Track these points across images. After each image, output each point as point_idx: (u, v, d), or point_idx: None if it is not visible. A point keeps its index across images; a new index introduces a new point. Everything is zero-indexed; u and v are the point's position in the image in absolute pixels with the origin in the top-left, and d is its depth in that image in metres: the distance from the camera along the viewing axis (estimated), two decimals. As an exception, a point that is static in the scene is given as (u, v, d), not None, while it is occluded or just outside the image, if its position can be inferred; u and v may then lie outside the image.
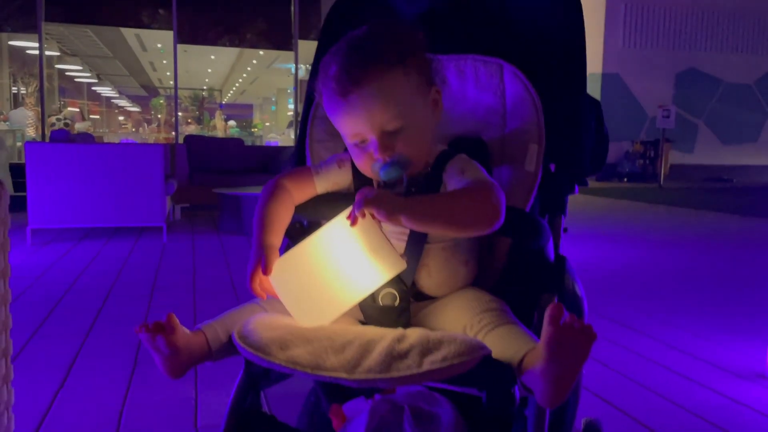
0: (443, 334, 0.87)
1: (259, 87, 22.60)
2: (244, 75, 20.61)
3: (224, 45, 16.37)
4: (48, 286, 3.67)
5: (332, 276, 0.94)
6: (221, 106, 22.86)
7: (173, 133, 16.19)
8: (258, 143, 16.67)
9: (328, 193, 1.11)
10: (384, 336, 0.88)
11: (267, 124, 24.73)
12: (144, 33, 14.12)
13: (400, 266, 0.93)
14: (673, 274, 4.36)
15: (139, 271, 4.12)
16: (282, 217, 1.05)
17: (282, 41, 15.93)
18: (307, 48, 16.24)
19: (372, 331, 0.92)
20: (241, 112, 26.01)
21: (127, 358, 2.52)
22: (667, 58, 14.50)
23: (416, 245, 1.02)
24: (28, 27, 10.05)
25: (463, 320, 0.96)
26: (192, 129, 17.76)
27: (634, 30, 14.28)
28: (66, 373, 2.35)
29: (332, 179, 1.11)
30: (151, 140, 15.48)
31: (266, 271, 0.96)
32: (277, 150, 8.02)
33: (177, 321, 0.95)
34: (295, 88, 12.76)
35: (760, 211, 8.39)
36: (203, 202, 7.00)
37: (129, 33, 14.41)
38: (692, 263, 4.82)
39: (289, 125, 19.21)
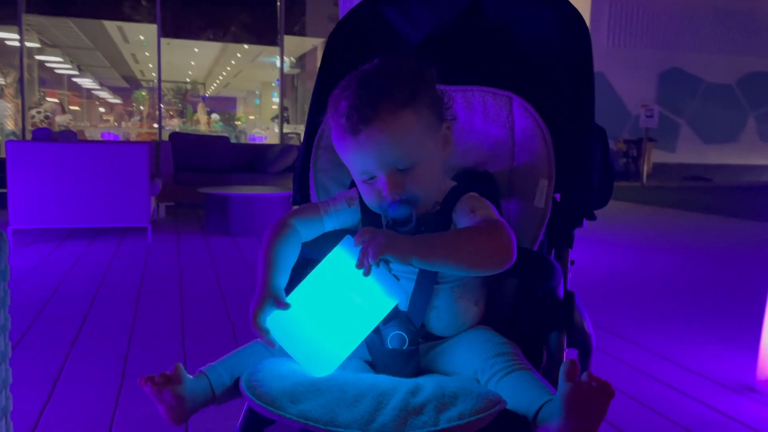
0: (458, 386, 0.85)
1: (243, 80, 22.41)
2: (228, 68, 20.41)
3: (208, 39, 16.21)
4: (31, 291, 3.60)
5: (331, 318, 0.93)
6: (203, 98, 22.64)
7: (156, 125, 16.04)
8: (242, 137, 16.54)
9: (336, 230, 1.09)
10: (397, 387, 0.86)
11: (251, 117, 24.55)
12: (126, 25, 13.92)
13: (396, 296, 0.92)
14: (660, 279, 4.39)
15: (124, 275, 4.06)
16: (289, 257, 1.03)
17: (266, 36, 15.80)
18: (293, 43, 16.12)
19: (384, 380, 0.90)
20: (224, 105, 25.78)
21: (115, 370, 2.48)
22: (651, 57, 14.60)
23: (426, 286, 1.00)
24: (8, 18, 9.86)
25: (474, 363, 0.94)
26: (175, 122, 17.57)
27: (619, 30, 14.36)
28: (52, 386, 2.31)
29: (341, 218, 1.09)
30: (133, 135, 15.29)
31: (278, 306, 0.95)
32: (264, 148, 7.95)
33: (184, 371, 0.92)
34: (279, 81, 12.67)
35: (742, 213, 8.49)
36: (188, 201, 6.93)
37: (111, 25, 14.19)
38: (678, 267, 4.86)
39: (273, 118, 19.09)
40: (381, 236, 0.86)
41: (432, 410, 0.81)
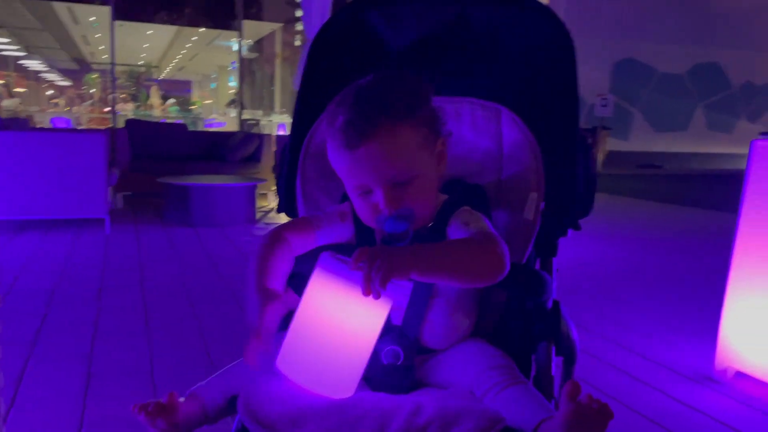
0: (459, 405, 0.86)
1: (198, 64, 21.95)
2: (183, 51, 19.95)
3: (162, 22, 15.79)
4: (-15, 287, 3.48)
5: (335, 339, 0.91)
6: (156, 81, 22.08)
7: (107, 109, 15.57)
8: (199, 123, 16.21)
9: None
10: (399, 407, 0.86)
11: (207, 102, 24.08)
12: (77, 6, 13.44)
13: (387, 303, 0.92)
14: (619, 270, 4.50)
15: (84, 269, 3.95)
16: (281, 268, 1.01)
17: (223, 19, 15.48)
18: (250, 27, 15.83)
19: (385, 401, 0.90)
20: (179, 88, 25.20)
21: (80, 370, 2.42)
22: (606, 47, 14.87)
23: (420, 300, 1.00)
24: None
25: (469, 375, 0.95)
26: (129, 107, 17.09)
27: (575, 19, 14.55)
28: (15, 390, 2.24)
29: (334, 233, 1.08)
30: (85, 120, 14.80)
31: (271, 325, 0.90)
32: (224, 135, 7.81)
33: (177, 399, 0.91)
34: (237, 65, 12.42)
35: (695, 201, 8.77)
36: (146, 190, 6.77)
37: (60, 5, 13.69)
38: (636, 257, 4.99)
39: (229, 104, 18.76)
40: (380, 259, 0.83)
41: (435, 430, 0.81)
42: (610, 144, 14.23)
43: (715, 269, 3.09)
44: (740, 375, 2.47)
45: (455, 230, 1.01)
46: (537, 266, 1.21)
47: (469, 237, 0.96)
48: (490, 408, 0.87)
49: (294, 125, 1.30)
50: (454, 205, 1.03)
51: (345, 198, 1.13)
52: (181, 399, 0.94)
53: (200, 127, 15.47)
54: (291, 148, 1.29)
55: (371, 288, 0.81)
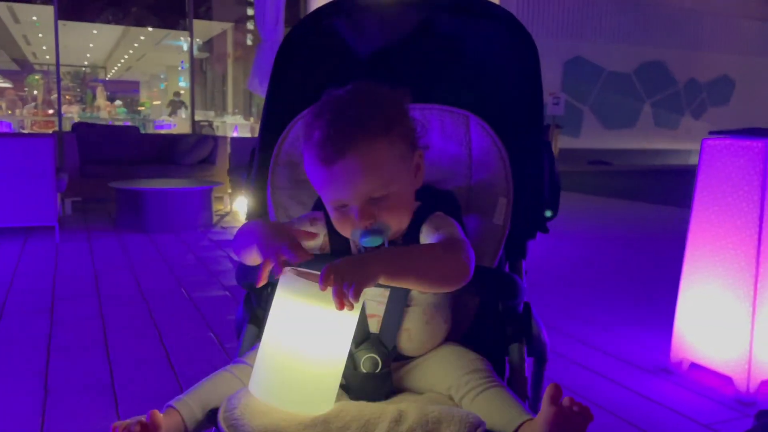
0: (440, 411, 0.87)
1: (147, 64, 21.44)
2: (131, 51, 19.48)
3: (108, 22, 15.37)
4: (-71, 300, 3.33)
5: (307, 356, 0.89)
6: (101, 82, 21.48)
7: (51, 111, 15.05)
8: (148, 125, 15.85)
9: None
10: (381, 416, 0.87)
11: (156, 102, 23.56)
12: (18, 5, 12.97)
13: (356, 312, 0.91)
14: (575, 265, 4.61)
15: (34, 279, 3.82)
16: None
17: (172, 19, 15.18)
18: (200, 26, 15.57)
19: (367, 409, 0.90)
20: (126, 89, 24.58)
21: (36, 385, 2.34)
22: (557, 46, 15.20)
23: (397, 309, 1.01)
24: None
25: (448, 380, 0.96)
26: (74, 109, 16.58)
27: (527, 19, 14.83)
28: (-33, 408, 2.15)
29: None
30: (28, 123, 14.29)
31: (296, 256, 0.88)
32: (176, 138, 7.66)
33: (160, 417, 0.89)
34: (189, 65, 12.18)
35: (645, 197, 9.04)
36: (97, 196, 6.59)
37: (0, 5, 13.18)
38: (590, 252, 5.12)
39: (170, 104, 18.30)
40: (350, 273, 0.81)
41: (418, 438, 0.82)
42: (561, 141, 14.55)
43: (668, 263, 3.20)
44: (694, 366, 2.56)
45: (427, 235, 1.01)
46: (507, 269, 1.23)
47: (436, 242, 0.97)
48: (469, 413, 0.88)
49: (262, 133, 1.29)
50: (426, 211, 1.04)
51: (317, 206, 1.12)
52: (161, 415, 0.92)
53: (150, 129, 15.12)
54: (260, 155, 1.28)
55: (344, 304, 0.80)
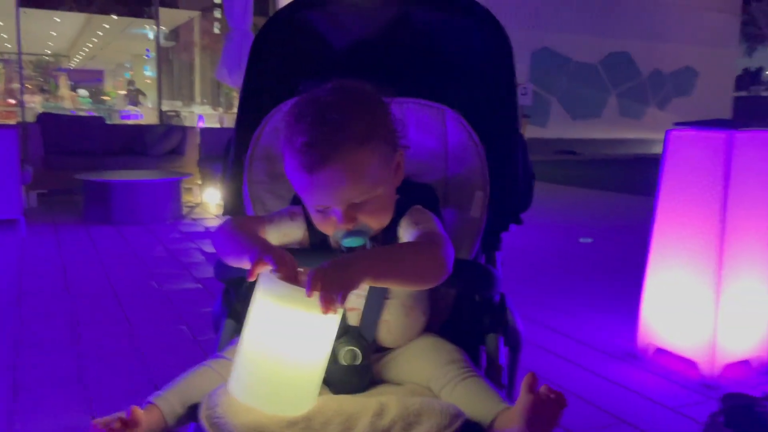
0: (421, 403, 0.89)
1: (111, 52, 21.01)
2: (95, 39, 19.06)
3: (71, 9, 15.01)
4: None
5: (289, 357, 0.88)
6: (64, 71, 20.99)
7: (12, 101, 14.66)
8: (113, 115, 15.55)
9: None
10: (363, 410, 0.88)
11: (122, 92, 23.12)
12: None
13: (340, 312, 0.90)
14: (542, 253, 4.68)
15: (0, 274, 3.74)
16: (252, 230, 1.02)
17: (137, 7, 14.89)
18: (166, 14, 15.30)
19: (348, 403, 0.92)
20: (90, 78, 24.06)
21: (5, 383, 2.30)
22: (524, 37, 15.29)
23: (376, 302, 1.02)
24: None
25: (426, 372, 0.98)
26: (37, 99, 16.19)
27: (495, 9, 14.81)
28: (-66, 406, 2.11)
29: (284, 231, 1.07)
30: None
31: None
32: (144, 129, 7.53)
33: (140, 413, 0.90)
34: (150, 53, 11.95)
35: (611, 186, 9.19)
36: (63, 188, 6.45)
37: (-44, -10, 12.76)
38: (558, 241, 5.20)
39: (128, 94, 17.95)
40: (337, 279, 0.82)
41: (399, 430, 0.84)
42: (530, 131, 14.71)
43: (634, 251, 3.27)
44: (660, 351, 2.64)
45: (405, 229, 1.03)
46: (483, 261, 1.25)
47: (415, 241, 0.98)
48: (449, 404, 0.90)
49: (238, 126, 1.29)
50: (405, 205, 1.05)
51: (295, 200, 1.13)
52: (141, 411, 0.92)
53: (115, 120, 14.84)
54: (236, 149, 1.27)
55: (330, 308, 0.81)
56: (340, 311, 0.88)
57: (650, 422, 2.10)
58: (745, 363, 2.52)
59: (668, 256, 2.55)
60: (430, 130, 1.20)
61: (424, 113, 1.20)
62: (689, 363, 2.51)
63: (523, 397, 0.82)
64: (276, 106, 1.24)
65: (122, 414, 0.90)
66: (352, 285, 0.83)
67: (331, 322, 0.89)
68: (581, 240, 4.95)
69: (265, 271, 0.87)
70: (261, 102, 1.28)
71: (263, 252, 0.87)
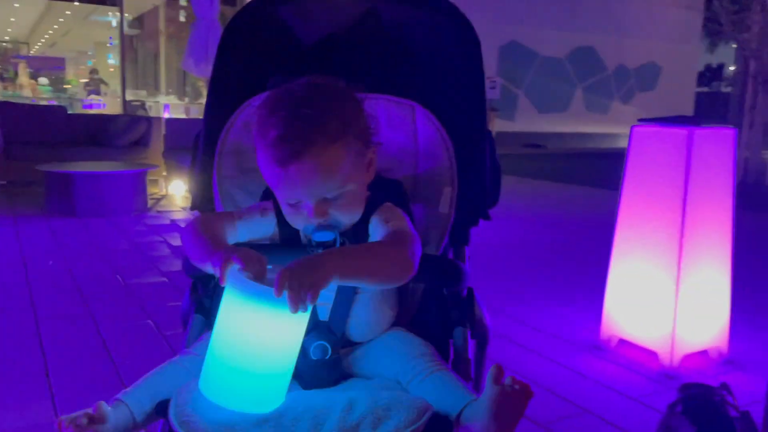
0: (390, 398, 0.89)
1: (73, 40, 20.47)
2: (56, 26, 18.56)
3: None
4: None
5: (258, 355, 0.88)
6: (23, 58, 20.41)
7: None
8: (75, 104, 15.17)
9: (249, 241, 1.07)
10: (333, 405, 0.89)
11: (84, 80, 22.57)
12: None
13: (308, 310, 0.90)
14: (509, 246, 4.74)
15: (-43, 267, 3.64)
16: (219, 231, 1.01)
17: (100, -7, 14.55)
18: (131, 1, 14.98)
19: (318, 399, 0.92)
20: (51, 66, 23.43)
21: (-35, 379, 2.25)
22: (492, 31, 15.39)
23: (346, 296, 1.03)
24: None
25: (395, 365, 0.99)
26: (-5, 87, 15.73)
27: (464, 3, 14.93)
28: None
29: (255, 227, 1.07)
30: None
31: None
32: (107, 119, 7.39)
33: (107, 409, 0.89)
34: (112, 40, 11.67)
35: (577, 179, 9.34)
36: (23, 179, 6.30)
37: None
38: (525, 234, 5.27)
39: (89, 83, 17.52)
40: (306, 278, 0.82)
41: (368, 426, 0.85)
42: (498, 125, 14.83)
43: (599, 244, 3.33)
44: (623, 342, 2.70)
45: (376, 226, 1.03)
46: (451, 255, 1.26)
47: (383, 240, 0.98)
48: (417, 398, 0.91)
49: (207, 120, 1.28)
50: (376, 201, 1.06)
51: (266, 195, 1.12)
52: (108, 407, 0.92)
53: (77, 109, 14.49)
54: (205, 143, 1.26)
55: (299, 307, 0.82)
56: (309, 309, 0.88)
57: (612, 411, 2.16)
58: (703, 353, 2.60)
59: (631, 249, 2.61)
60: (400, 126, 1.21)
61: (394, 109, 1.21)
62: (650, 354, 2.58)
63: (489, 388, 0.84)
64: (245, 101, 1.24)
65: (89, 410, 0.89)
66: (320, 284, 0.83)
67: (300, 319, 0.89)
68: None
69: (233, 269, 0.86)
70: (230, 95, 1.27)
71: (229, 253, 0.86)
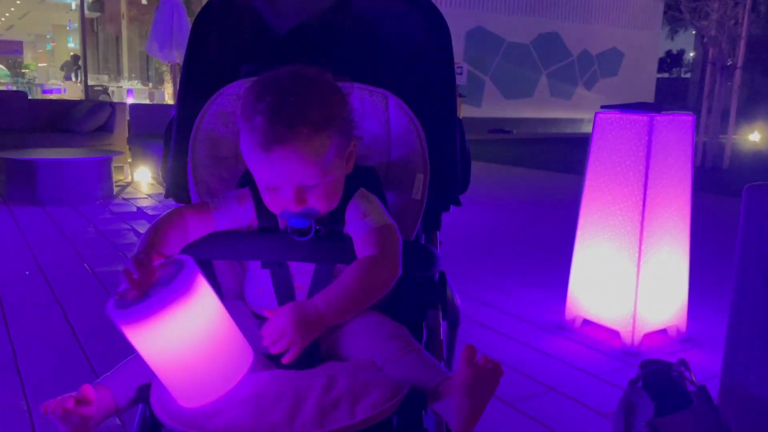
0: (367, 377, 0.93)
1: (30, 23, 19.91)
2: (12, 9, 17.99)
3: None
4: None
5: (204, 351, 0.88)
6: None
7: None
8: (35, 90, 14.79)
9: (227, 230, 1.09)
10: (312, 384, 0.91)
11: (42, 65, 21.98)
12: None
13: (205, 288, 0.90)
14: (476, 231, 4.81)
15: None
16: (173, 237, 1.03)
17: (59, -26, 14.13)
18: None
19: (297, 379, 0.94)
20: (8, 49, 22.75)
21: (-69, 370, 2.22)
22: (459, 16, 15.44)
23: (322, 281, 1.06)
24: None
25: (371, 347, 1.03)
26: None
27: (430, -13, 14.96)
28: None
29: (232, 215, 1.09)
30: None
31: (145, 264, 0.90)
32: (69, 104, 7.23)
33: (92, 392, 0.91)
34: (71, 23, 11.37)
35: (542, 164, 9.48)
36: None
37: None
38: (491, 218, 5.35)
39: (63, 67, 17.12)
40: (299, 338, 0.90)
41: (347, 403, 0.88)
42: (464, 111, 14.93)
43: (564, 228, 3.42)
44: (587, 323, 2.79)
45: (353, 218, 1.06)
46: (423, 240, 1.30)
47: (367, 263, 1.00)
48: (392, 376, 0.95)
49: (179, 108, 1.28)
50: (351, 188, 1.09)
51: (241, 183, 1.14)
52: (93, 390, 0.93)
53: (37, 94, 14.12)
54: (177, 131, 1.27)
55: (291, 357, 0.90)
56: (206, 287, 0.89)
57: (576, 389, 2.24)
58: (663, 332, 2.70)
59: (594, 232, 2.69)
60: (373, 114, 1.23)
61: (367, 98, 1.23)
62: (613, 333, 2.67)
63: (462, 368, 0.88)
64: (218, 89, 1.25)
65: (73, 393, 0.91)
66: (311, 338, 0.91)
67: (203, 296, 0.88)
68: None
69: (110, 303, 0.88)
70: (203, 83, 1.28)
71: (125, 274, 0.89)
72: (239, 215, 1.10)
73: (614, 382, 2.29)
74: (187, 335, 0.86)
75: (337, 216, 1.07)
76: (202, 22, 1.31)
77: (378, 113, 1.23)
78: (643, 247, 2.49)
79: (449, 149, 1.28)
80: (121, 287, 0.89)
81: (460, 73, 12.94)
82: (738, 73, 9.24)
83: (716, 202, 6.31)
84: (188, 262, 0.89)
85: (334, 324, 0.93)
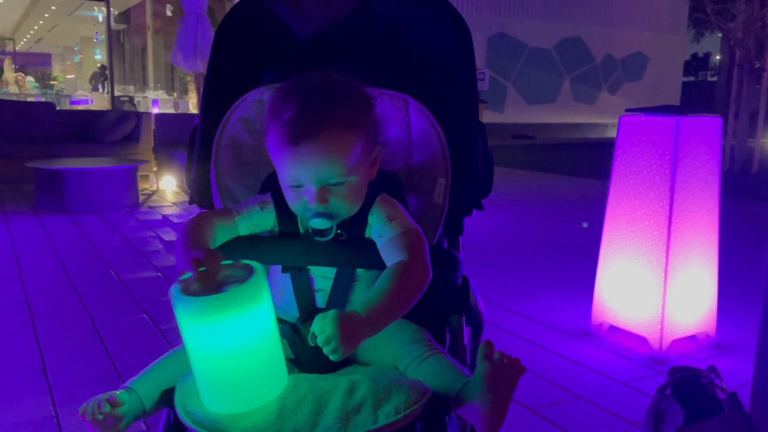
0: (390, 381, 0.92)
1: (59, 35, 20.33)
2: (41, 22, 18.39)
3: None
4: None
5: (247, 361, 0.88)
6: (9, 54, 20.22)
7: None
8: (63, 101, 15.08)
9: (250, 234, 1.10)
10: (335, 388, 0.91)
11: (69, 76, 22.40)
12: None
13: (266, 292, 0.90)
14: (502, 237, 4.78)
15: (-50, 265, 3.64)
16: (206, 235, 1.03)
17: (86, -13, 14.41)
18: (117, -3, 14.87)
19: (320, 383, 0.94)
20: (37, 62, 23.23)
21: (-38, 376, 2.26)
22: (481, 22, 15.42)
23: (344, 284, 1.06)
24: None
25: (392, 351, 1.02)
26: (-20, 84, 15.59)
27: (451, -6, 14.96)
28: None
29: (255, 220, 1.10)
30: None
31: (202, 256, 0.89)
32: (96, 115, 7.36)
33: (121, 396, 0.92)
34: (107, 37, 11.61)
35: (566, 169, 9.39)
36: (12, 176, 6.26)
37: None
38: (515, 224, 5.31)
39: (92, 79, 17.43)
40: (345, 348, 0.86)
41: (370, 407, 0.87)
42: (487, 117, 14.89)
43: (588, 233, 3.38)
44: (613, 329, 2.75)
45: (377, 222, 1.06)
46: (445, 245, 1.29)
47: (400, 270, 0.98)
48: (416, 381, 0.94)
49: (203, 116, 1.29)
50: (374, 193, 1.08)
51: (264, 188, 1.15)
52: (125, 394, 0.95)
53: (65, 105, 14.39)
54: (202, 138, 1.28)
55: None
56: (267, 292, 0.89)
57: (603, 396, 2.20)
58: (691, 338, 2.65)
59: (620, 236, 2.65)
60: (394, 119, 1.23)
61: (387, 103, 1.23)
62: (640, 339, 2.63)
63: (480, 364, 0.87)
64: (241, 96, 1.26)
65: (106, 395, 0.92)
66: (354, 348, 0.87)
67: (263, 305, 0.88)
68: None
69: (175, 288, 0.87)
70: (226, 91, 1.29)
71: (186, 259, 0.88)
72: (261, 221, 1.10)
73: (642, 390, 2.25)
74: (244, 338, 0.87)
75: (359, 222, 1.07)
76: (225, 29, 1.32)
77: (398, 117, 1.23)
78: (670, 251, 2.45)
79: (471, 153, 1.28)
80: (183, 276, 0.89)
81: (482, 79, 12.91)
82: (766, 75, 9.07)
83: (745, 207, 6.19)
84: (258, 267, 0.90)
85: (376, 333, 0.91)
